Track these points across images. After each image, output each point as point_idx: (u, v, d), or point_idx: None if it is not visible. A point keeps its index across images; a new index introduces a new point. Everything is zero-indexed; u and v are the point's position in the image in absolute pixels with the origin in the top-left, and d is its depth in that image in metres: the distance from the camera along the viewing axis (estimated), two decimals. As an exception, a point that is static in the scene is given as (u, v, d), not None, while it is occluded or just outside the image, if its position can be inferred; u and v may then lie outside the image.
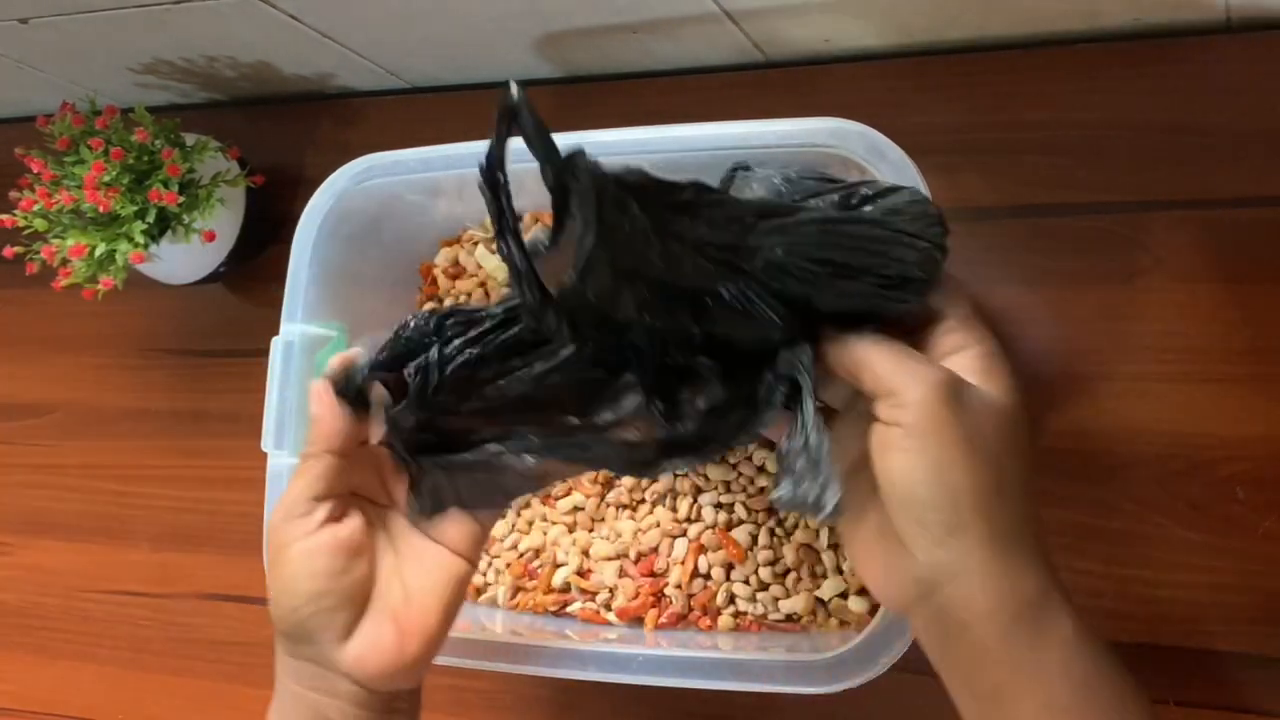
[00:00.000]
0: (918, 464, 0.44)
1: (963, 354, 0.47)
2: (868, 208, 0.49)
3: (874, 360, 0.46)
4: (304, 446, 0.53)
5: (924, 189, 0.57)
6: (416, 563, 0.54)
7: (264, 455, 0.69)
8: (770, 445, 0.68)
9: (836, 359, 0.48)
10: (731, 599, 0.68)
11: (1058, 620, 0.45)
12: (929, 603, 0.45)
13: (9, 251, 0.82)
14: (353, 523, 0.52)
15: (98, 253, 0.79)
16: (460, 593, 0.55)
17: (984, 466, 0.44)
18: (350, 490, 0.54)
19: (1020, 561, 0.45)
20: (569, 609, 0.71)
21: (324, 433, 0.52)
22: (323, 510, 0.52)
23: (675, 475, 0.70)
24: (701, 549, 0.69)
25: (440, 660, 0.59)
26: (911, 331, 0.49)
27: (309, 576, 0.51)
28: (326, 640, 0.51)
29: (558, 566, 0.72)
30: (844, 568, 0.67)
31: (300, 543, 0.51)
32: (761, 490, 0.69)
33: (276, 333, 0.70)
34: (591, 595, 0.71)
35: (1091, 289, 0.70)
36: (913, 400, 0.44)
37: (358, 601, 0.52)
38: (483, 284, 0.77)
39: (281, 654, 0.53)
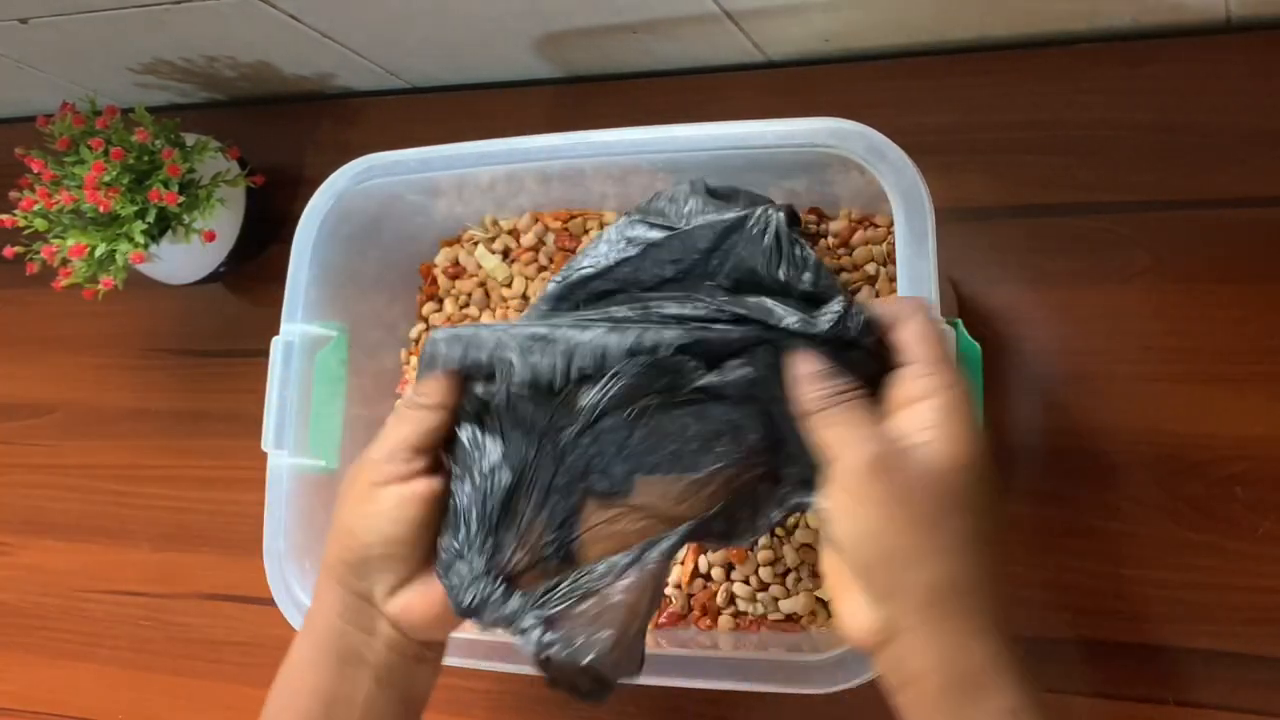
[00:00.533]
0: (851, 529, 0.46)
1: (921, 405, 0.46)
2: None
3: (818, 427, 0.48)
4: (412, 397, 0.54)
5: (924, 189, 0.57)
6: None
7: (264, 455, 0.69)
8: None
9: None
10: (731, 599, 0.68)
11: (999, 693, 0.44)
12: (881, 651, 0.46)
13: (9, 251, 0.82)
14: (440, 482, 0.54)
15: (98, 253, 0.79)
16: None
17: (917, 529, 0.45)
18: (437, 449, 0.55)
19: (962, 628, 0.44)
20: (569, 609, 0.71)
21: (441, 386, 0.53)
22: (421, 461, 0.53)
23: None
24: (702, 549, 0.69)
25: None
26: (878, 371, 0.49)
27: (394, 521, 0.52)
28: (383, 583, 0.53)
29: (558, 566, 0.72)
30: (844, 568, 0.67)
31: (396, 486, 0.53)
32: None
33: (276, 333, 0.70)
34: (591, 595, 0.71)
35: (1091, 289, 0.70)
36: (844, 469, 0.46)
37: (422, 556, 0.53)
38: (483, 284, 0.77)
39: (330, 584, 0.54)
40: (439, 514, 0.53)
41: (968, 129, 0.74)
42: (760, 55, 0.80)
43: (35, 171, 0.82)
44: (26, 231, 0.82)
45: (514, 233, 0.77)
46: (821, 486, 0.47)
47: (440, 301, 0.79)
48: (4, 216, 0.83)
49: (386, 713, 0.54)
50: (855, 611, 0.46)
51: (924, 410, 0.46)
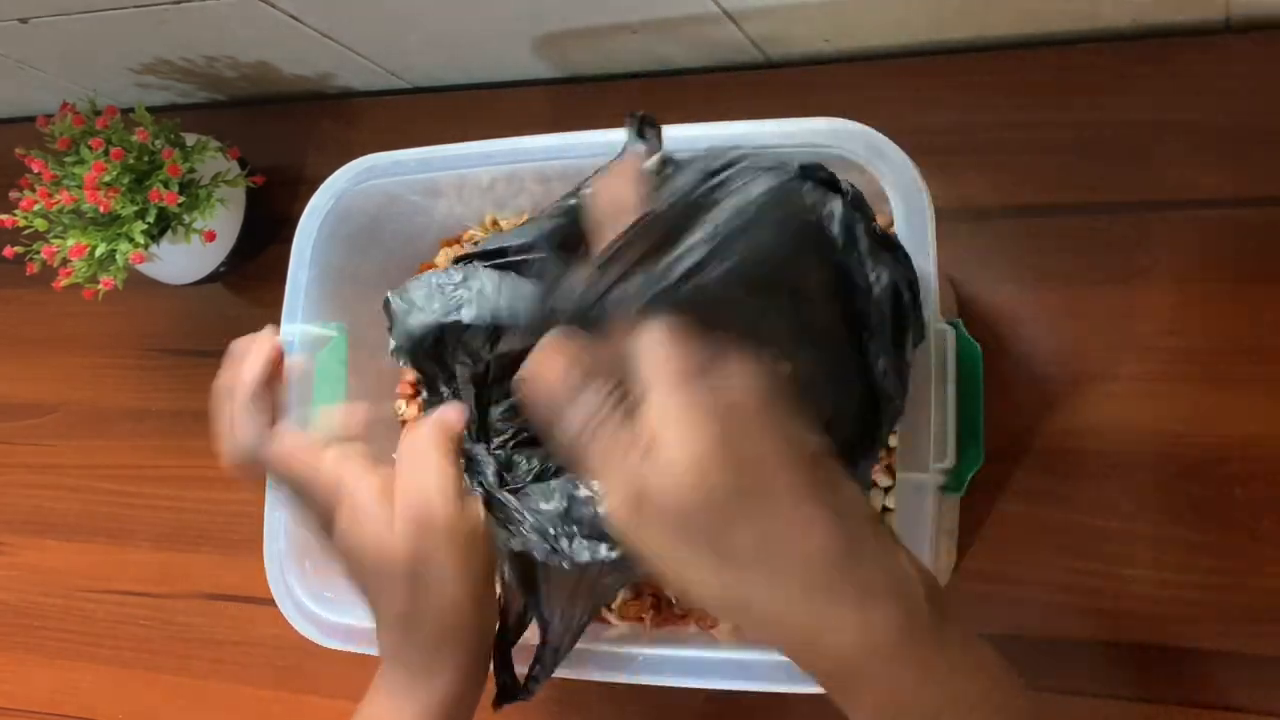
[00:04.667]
0: None
1: None
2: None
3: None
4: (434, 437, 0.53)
5: (924, 189, 0.57)
6: None
7: (264, 455, 0.69)
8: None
9: None
10: (731, 599, 0.68)
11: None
12: None
13: (9, 251, 0.82)
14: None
15: (98, 253, 0.79)
16: None
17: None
18: None
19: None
20: (569, 609, 0.71)
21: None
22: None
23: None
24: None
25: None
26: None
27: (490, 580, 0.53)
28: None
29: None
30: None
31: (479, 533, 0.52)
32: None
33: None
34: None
35: (1091, 289, 0.70)
36: None
37: None
38: (483, 284, 0.77)
39: (446, 652, 0.52)
40: None
41: (968, 129, 0.74)
42: (760, 55, 0.80)
43: (35, 171, 0.82)
44: (26, 231, 0.82)
45: (514, 233, 0.77)
46: None
47: (440, 301, 0.78)
48: (4, 216, 0.83)
49: None
50: None
51: None
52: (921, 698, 0.36)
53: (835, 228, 0.46)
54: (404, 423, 0.77)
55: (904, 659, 0.36)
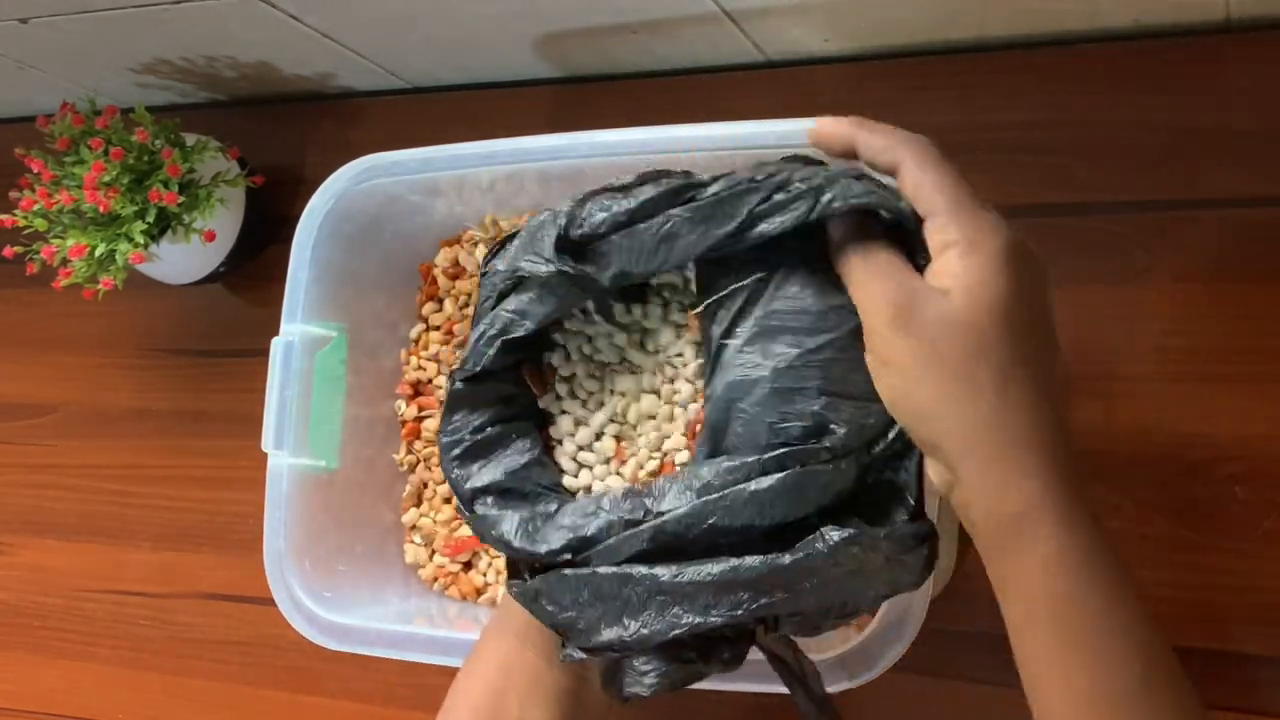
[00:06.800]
0: (885, 391, 0.45)
1: (943, 256, 0.45)
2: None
3: (848, 282, 0.47)
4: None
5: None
6: None
7: (264, 455, 0.69)
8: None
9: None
10: (731, 599, 0.68)
11: (1038, 538, 0.43)
12: (950, 502, 0.46)
13: (9, 251, 0.82)
14: None
15: (98, 253, 0.79)
16: None
17: (944, 381, 0.43)
18: None
19: (1003, 474, 0.44)
20: (569, 609, 0.71)
21: None
22: None
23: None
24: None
25: (441, 660, 0.59)
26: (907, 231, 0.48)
27: None
28: None
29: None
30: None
31: None
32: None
33: (276, 333, 0.69)
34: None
35: (1091, 289, 0.70)
36: (869, 328, 0.45)
37: None
38: (483, 284, 0.77)
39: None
40: None
41: (968, 129, 0.74)
42: (760, 55, 0.80)
43: (35, 171, 0.82)
44: (26, 231, 0.82)
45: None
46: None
47: (440, 301, 0.78)
48: (4, 216, 0.83)
49: (554, 686, 0.55)
50: (928, 468, 0.46)
51: (946, 260, 0.44)
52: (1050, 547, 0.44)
53: None
54: (404, 423, 0.77)
55: (1057, 514, 0.44)
